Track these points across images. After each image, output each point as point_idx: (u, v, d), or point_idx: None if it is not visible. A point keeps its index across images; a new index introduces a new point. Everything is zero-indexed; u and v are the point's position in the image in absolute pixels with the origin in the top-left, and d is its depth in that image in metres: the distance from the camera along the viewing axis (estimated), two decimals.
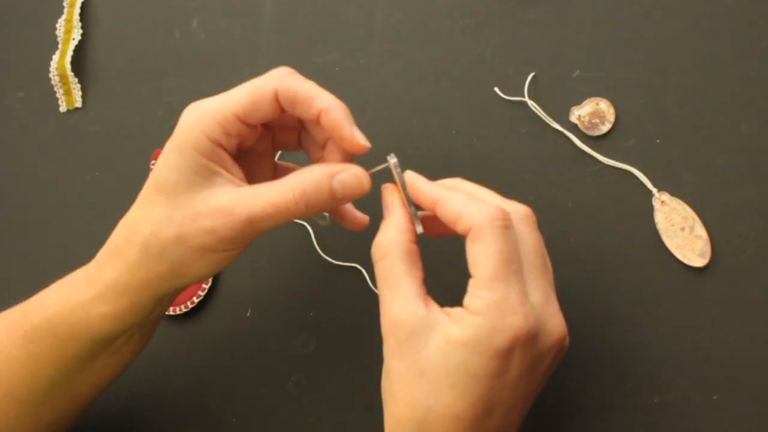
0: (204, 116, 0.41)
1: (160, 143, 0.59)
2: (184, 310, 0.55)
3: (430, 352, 0.39)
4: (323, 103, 0.42)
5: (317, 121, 0.42)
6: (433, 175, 0.54)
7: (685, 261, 0.49)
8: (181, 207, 0.41)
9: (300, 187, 0.41)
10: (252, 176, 0.46)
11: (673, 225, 0.50)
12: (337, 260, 0.54)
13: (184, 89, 0.60)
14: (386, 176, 0.44)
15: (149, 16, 0.62)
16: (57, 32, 0.62)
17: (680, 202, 0.50)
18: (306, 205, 0.41)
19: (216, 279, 0.56)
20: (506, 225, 0.39)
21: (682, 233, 0.50)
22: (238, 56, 0.60)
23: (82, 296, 0.43)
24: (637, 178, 0.51)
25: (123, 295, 0.43)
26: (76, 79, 0.61)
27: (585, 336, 0.49)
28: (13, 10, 0.65)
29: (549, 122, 0.53)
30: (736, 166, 0.50)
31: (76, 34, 0.62)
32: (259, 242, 0.56)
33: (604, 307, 0.50)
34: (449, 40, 0.56)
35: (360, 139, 0.42)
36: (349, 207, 0.47)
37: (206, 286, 0.55)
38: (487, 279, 0.39)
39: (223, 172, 0.42)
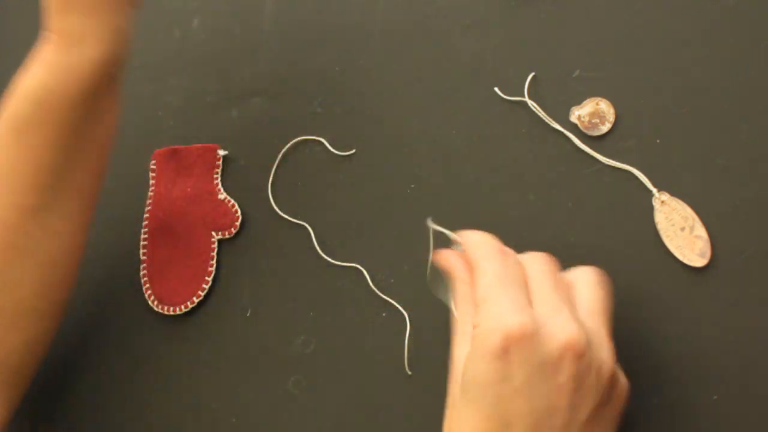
0: None
1: (160, 143, 0.59)
2: (184, 310, 0.55)
3: (457, 387, 0.41)
4: None
5: None
6: (432, 174, 0.54)
7: (685, 261, 0.49)
8: None
9: None
10: None
11: (673, 225, 0.50)
12: (337, 260, 0.54)
13: (184, 89, 0.60)
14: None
15: (149, 16, 0.62)
16: None
17: (680, 202, 0.50)
18: None
19: (216, 279, 0.56)
20: (504, 256, 0.42)
21: (682, 233, 0.50)
22: (238, 56, 0.60)
23: (60, 58, 0.46)
24: (637, 178, 0.51)
25: (100, 38, 0.46)
26: None
27: None
28: (13, 10, 0.65)
29: (549, 122, 0.53)
30: (736, 166, 0.50)
31: None
32: (259, 242, 0.56)
33: None
34: (449, 40, 0.56)
35: None
36: None
37: (206, 286, 0.55)
38: (481, 295, 0.41)
39: None
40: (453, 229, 0.52)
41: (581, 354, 0.39)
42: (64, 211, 0.48)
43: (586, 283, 0.43)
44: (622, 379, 0.43)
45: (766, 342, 0.48)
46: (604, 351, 0.40)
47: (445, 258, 0.46)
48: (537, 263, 0.43)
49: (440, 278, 0.47)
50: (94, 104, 0.48)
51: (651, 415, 0.48)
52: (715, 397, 0.47)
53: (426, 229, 0.47)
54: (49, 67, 0.46)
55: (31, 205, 0.46)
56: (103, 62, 0.47)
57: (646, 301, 0.50)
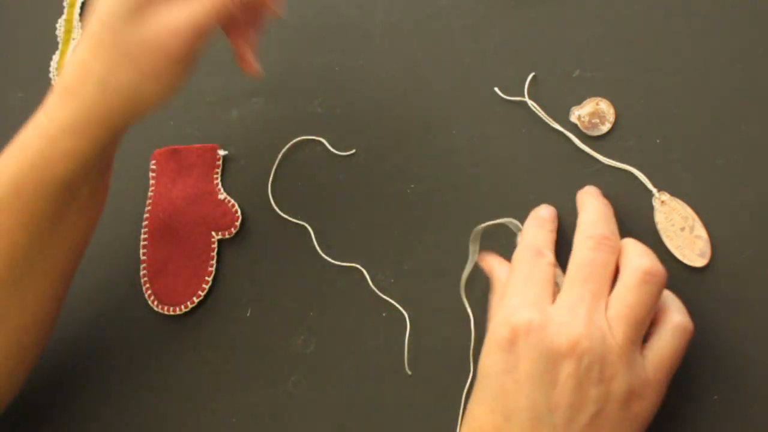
0: None
1: (160, 143, 0.59)
2: (184, 310, 0.55)
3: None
4: None
5: None
6: (432, 174, 0.54)
7: (685, 261, 0.49)
8: (131, 39, 0.44)
9: None
10: None
11: (673, 225, 0.50)
12: (337, 260, 0.54)
13: (184, 89, 0.60)
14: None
15: None
16: (57, 32, 0.62)
17: (680, 202, 0.50)
18: (240, 2, 0.46)
19: (216, 279, 0.56)
20: (538, 253, 0.44)
21: (682, 233, 0.50)
22: None
23: (40, 146, 0.45)
24: (637, 178, 0.51)
25: (82, 133, 0.44)
26: None
27: None
28: (13, 10, 0.65)
29: (549, 122, 0.53)
30: (736, 166, 0.50)
31: (76, 34, 0.62)
32: (259, 242, 0.56)
33: None
34: (449, 40, 0.56)
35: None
36: (248, 52, 0.51)
37: (206, 286, 0.55)
38: (502, 293, 0.43)
39: (161, 5, 0.45)
40: (454, 229, 0.52)
41: (581, 356, 0.39)
42: (37, 286, 0.48)
43: (625, 281, 0.42)
44: (647, 395, 0.41)
45: (766, 342, 0.48)
46: (612, 356, 0.40)
47: (487, 262, 0.48)
48: (584, 250, 0.43)
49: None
50: (76, 193, 0.47)
51: None
52: (715, 397, 0.47)
53: (474, 236, 0.49)
54: (30, 154, 0.45)
55: (2, 278, 0.46)
56: (89, 160, 0.46)
57: None
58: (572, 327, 0.40)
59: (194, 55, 0.46)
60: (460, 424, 0.44)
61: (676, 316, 0.43)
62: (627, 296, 0.41)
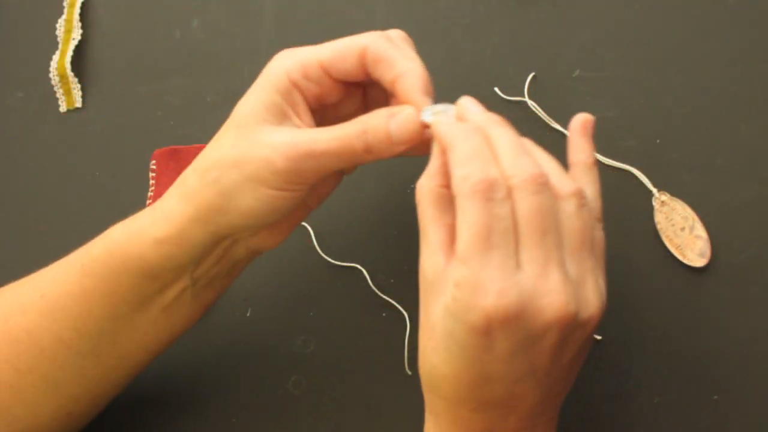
0: (290, 57, 0.43)
1: (160, 143, 0.59)
2: None
3: (438, 310, 0.37)
4: (402, 68, 0.42)
5: (393, 86, 0.42)
6: None
7: (685, 261, 0.49)
8: (246, 135, 0.42)
9: (362, 126, 0.42)
10: None
11: (673, 225, 0.50)
12: (337, 260, 0.54)
13: (184, 89, 0.60)
14: None
15: (149, 16, 0.62)
16: (57, 32, 0.62)
17: (680, 202, 0.50)
18: (366, 144, 0.42)
19: None
20: (489, 197, 0.36)
21: (682, 233, 0.50)
22: (238, 56, 0.60)
23: (141, 222, 0.45)
24: (637, 178, 0.51)
25: (173, 222, 0.44)
26: (76, 79, 0.61)
27: None
28: (13, 10, 0.65)
29: (549, 122, 0.53)
30: (736, 166, 0.50)
31: (76, 34, 0.62)
32: None
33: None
34: (449, 40, 0.56)
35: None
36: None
37: None
38: (461, 253, 0.36)
39: (294, 118, 0.43)
40: None
41: (569, 324, 0.37)
42: (99, 360, 0.48)
43: (568, 209, 0.38)
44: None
45: (766, 342, 0.48)
46: (591, 302, 0.38)
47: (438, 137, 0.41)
48: (524, 201, 0.37)
49: None
50: (164, 290, 0.47)
51: (651, 415, 0.48)
52: (715, 397, 0.47)
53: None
54: (137, 225, 0.45)
55: (70, 342, 0.46)
56: (183, 259, 0.45)
57: (646, 302, 0.50)
58: (554, 302, 0.36)
59: (301, 180, 0.42)
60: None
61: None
62: (578, 218, 0.38)
